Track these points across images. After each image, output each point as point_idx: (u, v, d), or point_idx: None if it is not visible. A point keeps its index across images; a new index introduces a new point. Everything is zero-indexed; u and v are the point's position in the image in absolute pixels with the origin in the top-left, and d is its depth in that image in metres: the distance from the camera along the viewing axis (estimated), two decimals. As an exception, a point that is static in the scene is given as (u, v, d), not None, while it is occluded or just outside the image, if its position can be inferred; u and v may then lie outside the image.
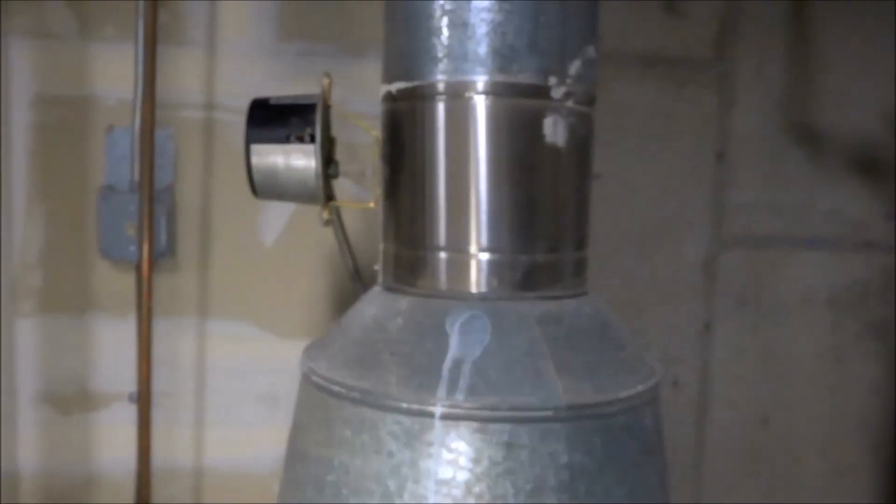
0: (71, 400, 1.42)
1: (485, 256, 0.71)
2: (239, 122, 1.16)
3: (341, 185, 0.97)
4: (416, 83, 0.73)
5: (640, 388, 0.71)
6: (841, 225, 1.67)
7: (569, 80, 0.72)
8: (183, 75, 1.39)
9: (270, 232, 1.45)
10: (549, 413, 0.64)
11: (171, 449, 1.44)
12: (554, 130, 0.72)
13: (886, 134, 1.66)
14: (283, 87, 1.41)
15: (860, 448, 1.72)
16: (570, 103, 0.72)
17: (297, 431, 0.75)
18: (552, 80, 0.71)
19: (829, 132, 1.64)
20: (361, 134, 0.96)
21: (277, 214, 1.44)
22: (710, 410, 1.67)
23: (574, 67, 0.73)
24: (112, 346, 1.41)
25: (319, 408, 0.71)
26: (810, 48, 1.62)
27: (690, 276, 1.62)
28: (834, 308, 1.69)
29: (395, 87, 0.75)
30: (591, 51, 0.75)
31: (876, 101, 1.65)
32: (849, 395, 1.71)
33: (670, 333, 1.63)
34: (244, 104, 1.20)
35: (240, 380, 1.46)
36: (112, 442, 1.42)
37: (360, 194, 1.37)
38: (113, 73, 1.37)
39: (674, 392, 1.64)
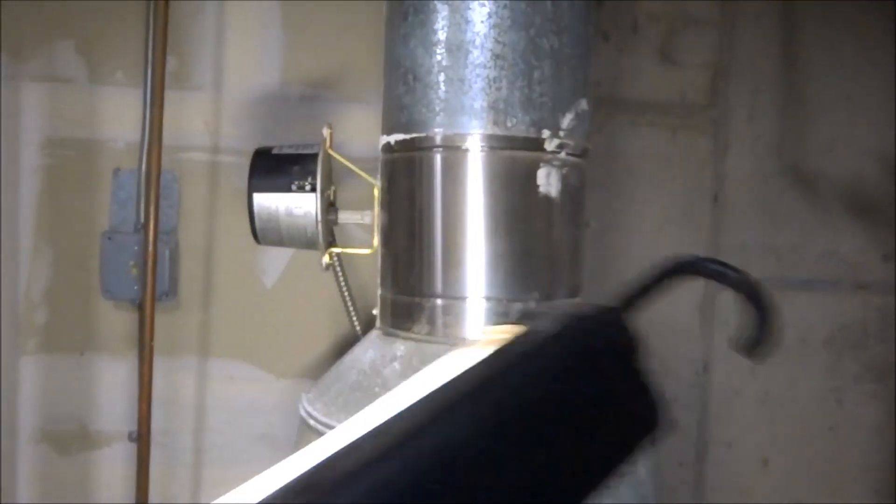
0: (71, 439, 1.42)
1: (480, 304, 0.72)
2: (243, 164, 1.19)
3: (345, 229, 0.99)
4: (413, 135, 0.75)
5: (633, 434, 0.72)
6: (837, 266, 1.68)
7: (562, 133, 0.74)
8: (189, 119, 1.42)
9: (271, 274, 1.47)
10: (543, 460, 0.65)
11: (169, 488, 1.44)
12: (547, 181, 0.74)
13: (880, 175, 1.68)
14: (286, 130, 1.44)
15: (861, 489, 1.71)
16: (562, 155, 0.75)
17: (295, 476, 0.76)
18: (545, 133, 0.74)
19: (823, 174, 1.67)
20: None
21: (278, 256, 1.46)
22: (710, 452, 1.66)
23: (567, 121, 0.75)
24: (113, 385, 1.42)
25: (316, 453, 0.72)
26: (802, 93, 1.65)
27: (688, 317, 1.63)
28: (832, 349, 1.69)
29: (394, 138, 0.77)
30: (583, 104, 0.77)
31: (869, 143, 1.67)
32: (849, 436, 1.70)
33: (669, 374, 1.63)
34: (248, 146, 1.23)
35: (238, 419, 1.46)
36: (110, 481, 1.42)
37: (363, 237, 1.39)
38: (121, 116, 1.40)
39: (673, 433, 1.63)
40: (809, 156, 1.66)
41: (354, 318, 0.97)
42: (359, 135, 1.28)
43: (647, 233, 1.60)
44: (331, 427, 0.71)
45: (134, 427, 1.36)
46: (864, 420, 1.70)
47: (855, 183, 1.68)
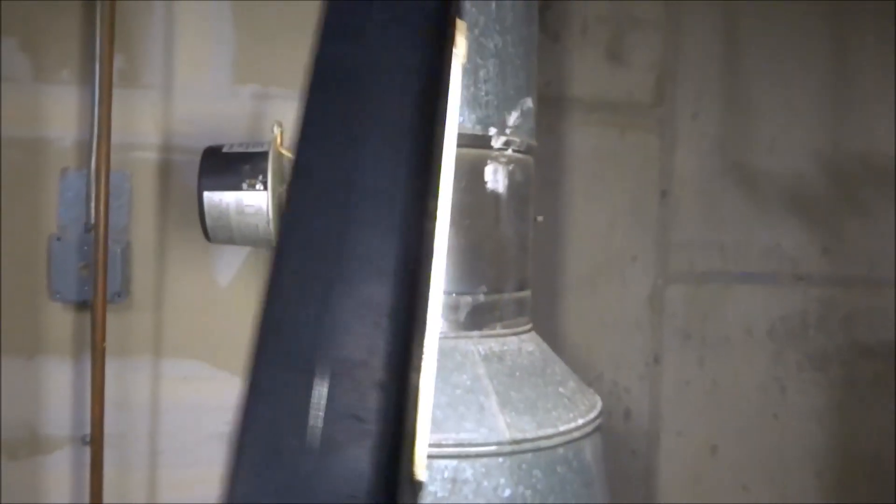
0: (21, 444, 1.39)
1: (430, 298, 0.74)
2: (195, 162, 1.19)
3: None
4: (363, 133, 0.76)
5: (579, 421, 0.74)
6: (778, 259, 1.75)
7: (508, 130, 0.77)
8: (139, 118, 1.41)
9: (226, 272, 1.46)
10: (493, 448, 0.67)
11: (123, 491, 1.42)
12: (494, 178, 0.76)
13: (818, 173, 1.76)
14: (238, 128, 1.44)
15: (804, 473, 1.78)
16: (509, 152, 0.77)
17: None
18: (492, 131, 0.76)
19: (765, 172, 1.73)
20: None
21: (233, 255, 1.45)
22: (661, 440, 1.71)
23: (512, 118, 0.77)
24: (64, 388, 1.39)
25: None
26: (745, 94, 1.71)
27: (638, 311, 1.68)
28: (775, 339, 1.76)
29: (344, 136, 0.78)
30: (528, 102, 0.80)
31: (806, 143, 1.75)
32: (792, 423, 1.77)
33: (621, 366, 1.68)
34: (200, 145, 1.22)
35: (194, 419, 1.45)
36: (63, 486, 1.40)
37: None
38: (68, 116, 1.38)
39: (626, 423, 1.68)
40: (752, 155, 1.73)
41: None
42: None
43: (597, 229, 1.64)
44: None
45: (87, 431, 1.34)
46: (805, 407, 1.77)
47: (794, 180, 1.75)
